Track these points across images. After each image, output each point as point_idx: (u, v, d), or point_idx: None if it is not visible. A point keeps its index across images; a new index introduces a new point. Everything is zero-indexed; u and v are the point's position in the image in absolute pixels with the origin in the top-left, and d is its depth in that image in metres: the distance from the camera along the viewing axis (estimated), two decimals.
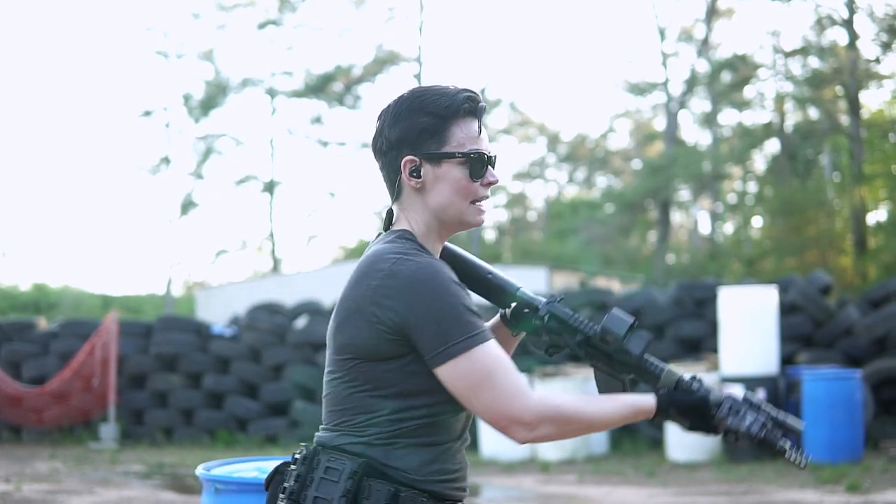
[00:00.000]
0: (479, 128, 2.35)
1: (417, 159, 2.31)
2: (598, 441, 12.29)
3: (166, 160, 33.96)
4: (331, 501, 2.16)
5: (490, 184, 2.36)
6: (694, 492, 9.62)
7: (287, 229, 42.81)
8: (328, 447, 2.25)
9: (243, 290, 21.83)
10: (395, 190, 2.37)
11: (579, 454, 11.76)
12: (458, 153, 2.31)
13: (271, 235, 36.37)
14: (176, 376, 14.83)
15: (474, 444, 12.70)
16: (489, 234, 44.65)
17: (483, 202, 2.37)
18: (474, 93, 2.36)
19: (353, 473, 2.18)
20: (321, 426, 2.34)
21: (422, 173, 2.32)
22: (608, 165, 44.00)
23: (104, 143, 49.29)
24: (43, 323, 16.55)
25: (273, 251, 36.44)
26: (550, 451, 11.60)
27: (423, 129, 2.31)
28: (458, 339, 2.16)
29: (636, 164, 39.89)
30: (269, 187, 35.05)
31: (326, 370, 2.34)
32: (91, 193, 51.22)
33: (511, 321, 2.51)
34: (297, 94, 34.42)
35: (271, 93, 34.49)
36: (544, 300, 2.47)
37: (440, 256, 2.45)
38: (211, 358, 14.75)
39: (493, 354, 2.18)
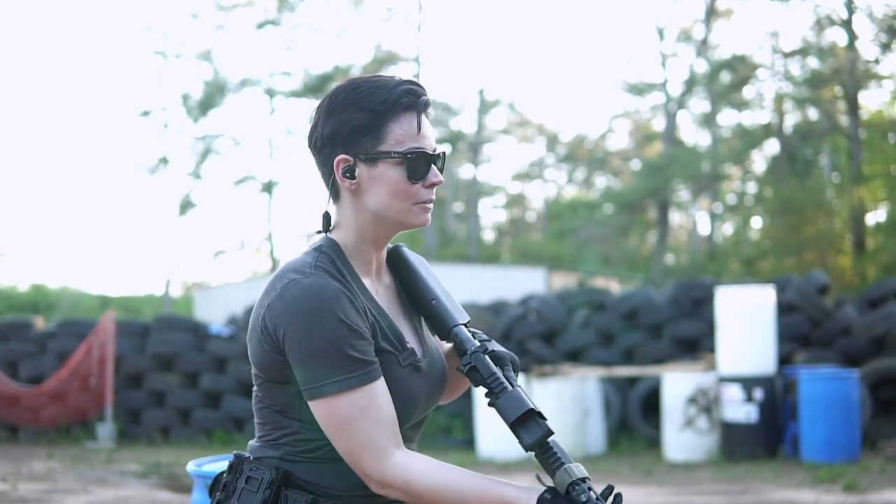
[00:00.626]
0: (419, 124, 2.15)
1: (351, 159, 2.14)
2: (596, 441, 12.29)
3: (165, 160, 33.98)
4: None
5: (433, 184, 2.17)
6: (691, 491, 9.60)
7: (286, 230, 42.79)
8: (252, 458, 2.20)
9: (241, 290, 21.81)
10: (331, 190, 2.20)
11: (576, 454, 11.73)
12: (395, 153, 2.12)
13: (270, 236, 36.39)
14: (173, 376, 14.81)
15: (471, 445, 12.68)
16: (488, 235, 44.69)
17: (428, 203, 2.18)
18: (416, 84, 2.18)
19: (271, 483, 2.13)
20: None
21: (356, 174, 2.14)
22: (607, 166, 44.02)
23: (103, 143, 49.45)
24: (40, 322, 16.53)
25: (272, 252, 36.46)
26: None
27: (357, 126, 2.13)
28: (322, 382, 2.04)
29: (635, 164, 39.91)
30: (268, 187, 35.05)
31: None
32: (90, 194, 51.31)
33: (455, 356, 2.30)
34: (296, 94, 34.44)
35: (270, 93, 34.51)
36: (476, 345, 2.21)
37: (388, 260, 2.33)
38: (208, 358, 14.74)
39: (357, 404, 2.05)
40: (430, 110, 2.21)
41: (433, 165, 2.17)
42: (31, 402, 14.65)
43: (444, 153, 2.22)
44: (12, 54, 47.24)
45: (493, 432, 12.00)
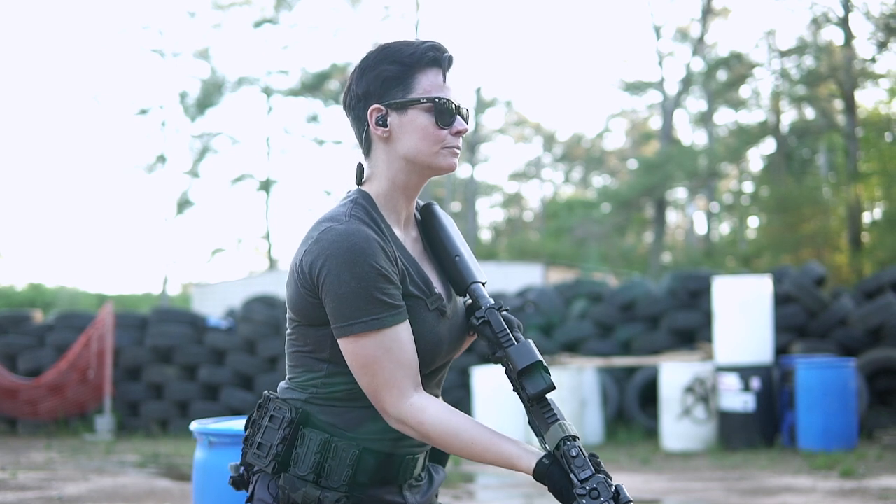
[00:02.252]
0: (445, 77, 2.33)
1: (384, 108, 2.30)
2: (593, 431, 12.33)
3: (162, 159, 34.02)
4: (270, 447, 2.26)
5: (459, 132, 2.33)
6: (689, 478, 9.64)
7: (283, 228, 42.80)
8: (278, 398, 2.33)
9: (239, 288, 21.84)
10: (365, 143, 2.36)
11: None
12: (424, 98, 2.29)
13: (267, 234, 36.41)
14: (171, 368, 14.83)
15: None
16: (485, 234, 44.73)
17: (455, 147, 2.34)
18: (439, 44, 2.34)
19: (291, 422, 2.26)
20: None
21: (388, 122, 2.30)
22: (604, 165, 44.09)
23: (100, 142, 49.41)
24: (39, 315, 16.54)
25: (269, 250, 36.48)
26: None
27: (388, 78, 2.30)
28: (350, 321, 2.17)
29: (632, 163, 39.97)
30: (265, 186, 35.09)
31: None
32: (87, 192, 51.28)
33: (466, 313, 2.45)
34: (293, 92, 34.49)
35: (267, 91, 34.55)
36: (490, 303, 2.36)
37: (422, 216, 2.46)
38: (206, 350, 14.76)
39: (381, 344, 2.19)
40: (453, 68, 2.36)
41: (458, 115, 2.33)
42: (30, 395, 14.67)
43: (468, 108, 2.38)
44: (9, 52, 47.27)
45: (491, 422, 11.98)
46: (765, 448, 11.13)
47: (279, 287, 19.24)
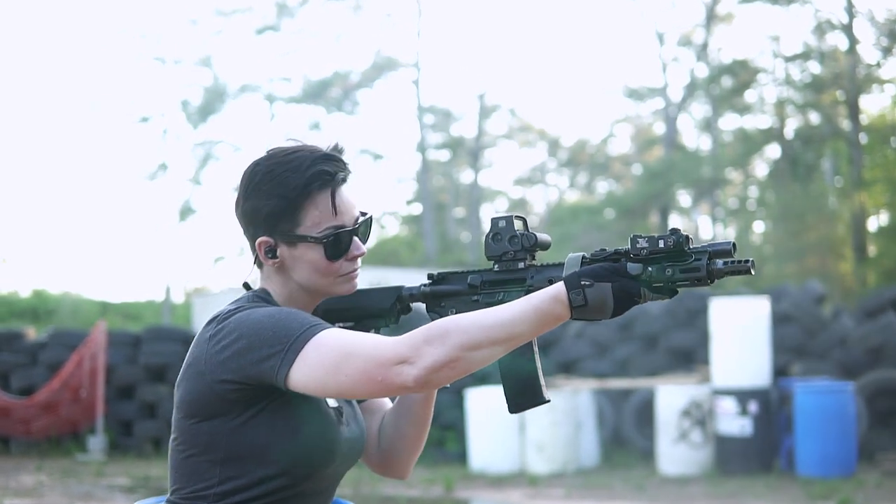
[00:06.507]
0: (334, 204, 2.15)
1: (272, 240, 2.16)
2: (589, 454, 12.14)
3: (164, 166, 33.94)
4: None
5: (355, 257, 2.20)
6: None
7: None
8: None
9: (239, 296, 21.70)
10: (257, 262, 2.25)
11: (569, 467, 11.61)
12: (311, 237, 2.13)
13: None
14: (164, 387, 14.69)
15: (464, 458, 12.54)
16: None
17: (352, 273, 2.21)
18: (332, 159, 2.17)
19: None
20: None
21: (278, 253, 2.17)
22: (609, 170, 43.87)
23: (102, 150, 49.26)
24: (32, 333, 16.45)
25: None
26: (540, 464, 11.46)
27: (271, 213, 2.13)
28: (300, 333, 1.98)
29: (637, 169, 39.76)
30: None
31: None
32: (90, 200, 51.18)
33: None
34: (296, 99, 34.38)
35: (269, 98, 34.46)
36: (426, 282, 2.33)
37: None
38: None
39: (340, 333, 2.00)
40: (348, 181, 2.20)
41: (354, 237, 2.18)
42: (23, 414, 14.56)
43: (368, 219, 2.22)
44: (11, 61, 47.21)
45: (485, 445, 11.88)
46: (762, 473, 10.94)
47: None
